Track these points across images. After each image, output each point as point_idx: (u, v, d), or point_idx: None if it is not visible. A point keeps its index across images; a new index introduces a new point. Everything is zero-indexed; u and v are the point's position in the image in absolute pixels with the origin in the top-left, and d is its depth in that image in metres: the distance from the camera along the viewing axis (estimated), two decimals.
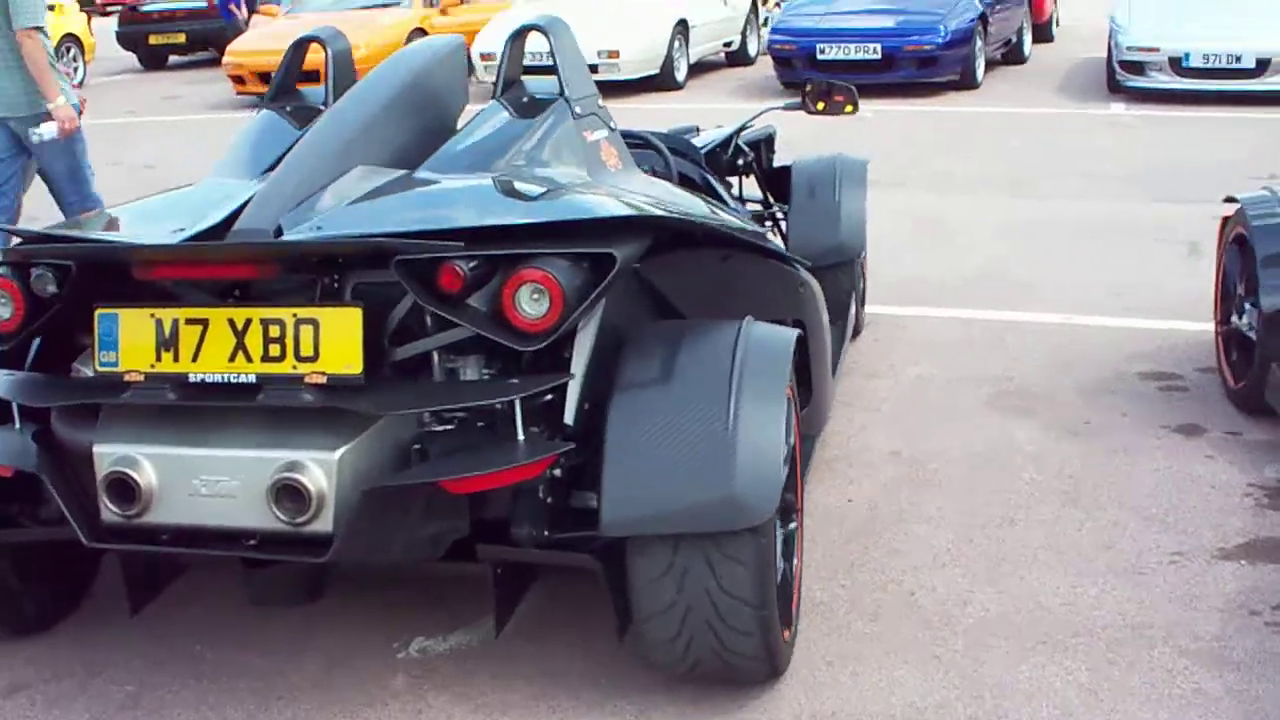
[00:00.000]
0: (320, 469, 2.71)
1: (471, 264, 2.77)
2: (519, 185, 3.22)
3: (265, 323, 2.78)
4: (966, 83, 13.42)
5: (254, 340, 2.78)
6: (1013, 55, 15.35)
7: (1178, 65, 11.99)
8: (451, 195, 3.15)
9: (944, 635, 3.28)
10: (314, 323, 2.76)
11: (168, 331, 2.82)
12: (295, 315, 2.77)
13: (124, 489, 2.78)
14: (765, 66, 15.01)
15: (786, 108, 5.29)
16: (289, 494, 2.70)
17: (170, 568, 3.38)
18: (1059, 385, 4.95)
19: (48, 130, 5.70)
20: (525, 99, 3.80)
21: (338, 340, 2.75)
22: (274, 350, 2.78)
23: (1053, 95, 13.03)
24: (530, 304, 2.77)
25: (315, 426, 2.77)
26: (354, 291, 2.92)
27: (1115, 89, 12.72)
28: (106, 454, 2.81)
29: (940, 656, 3.18)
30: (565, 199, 3.14)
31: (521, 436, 2.81)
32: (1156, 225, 7.43)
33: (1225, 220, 4.83)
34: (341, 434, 2.75)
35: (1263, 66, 11.77)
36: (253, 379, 2.79)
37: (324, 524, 2.73)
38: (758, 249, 3.57)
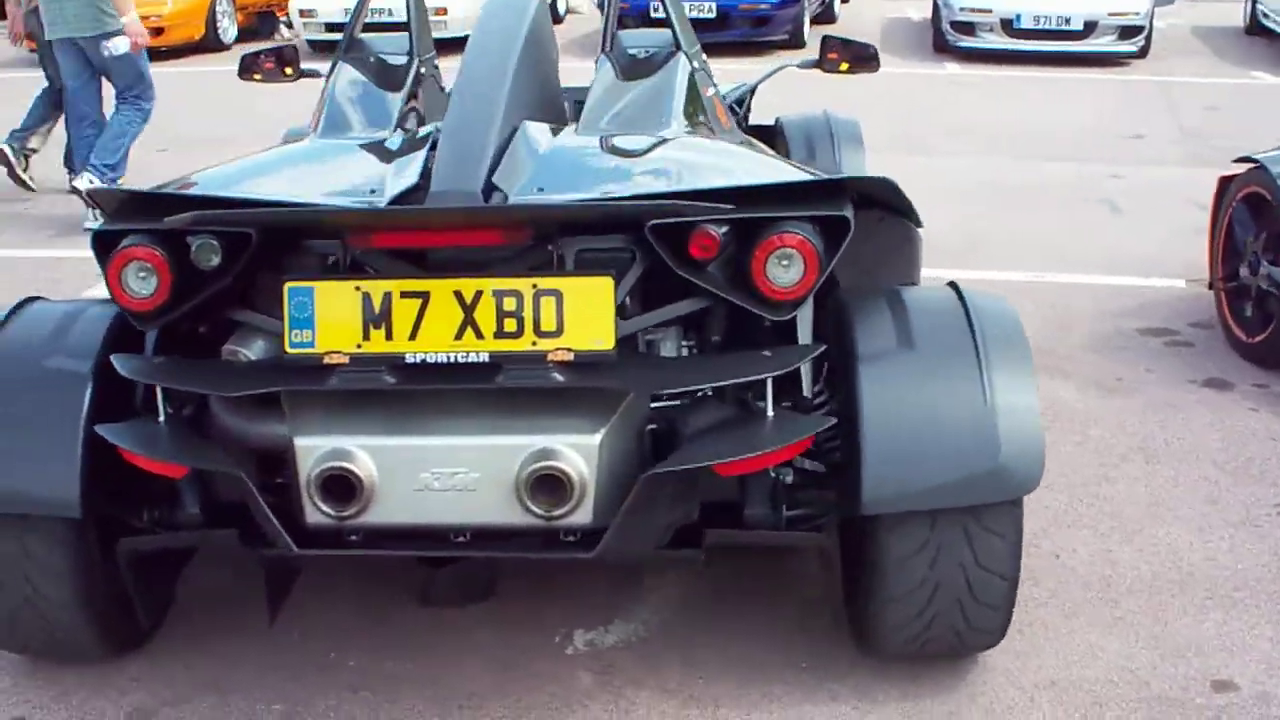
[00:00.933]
0: (579, 455, 2.45)
1: (724, 229, 2.55)
2: (714, 145, 3.01)
3: (499, 295, 2.50)
4: (795, 42, 13.54)
5: (485, 315, 2.50)
6: (825, 15, 15.64)
7: (1009, 26, 12.43)
8: (660, 156, 2.92)
9: (1113, 596, 3.26)
10: (557, 294, 2.50)
11: (378, 307, 2.51)
12: (535, 286, 2.50)
13: (341, 487, 2.46)
14: (584, 23, 14.80)
15: (802, 65, 5.15)
16: (548, 484, 2.44)
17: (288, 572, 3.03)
18: (1071, 344, 5.01)
19: (119, 45, 6.44)
20: (631, 53, 3.57)
21: (586, 313, 2.50)
22: (509, 325, 2.50)
23: (881, 55, 13.27)
24: (780, 270, 2.58)
25: (563, 408, 2.51)
26: (576, 260, 2.66)
27: (942, 49, 13.08)
28: (314, 448, 2.48)
29: (1123, 618, 3.16)
30: (775, 162, 2.95)
31: (771, 413, 2.63)
32: (1055, 184, 7.65)
33: (1226, 180, 4.97)
34: (594, 416, 2.50)
35: (1090, 28, 12.31)
36: (485, 358, 2.50)
37: (583, 516, 2.48)
38: (908, 212, 3.46)
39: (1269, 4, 13.78)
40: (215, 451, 2.57)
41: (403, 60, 3.61)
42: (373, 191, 2.63)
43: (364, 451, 2.47)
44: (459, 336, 2.50)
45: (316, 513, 2.49)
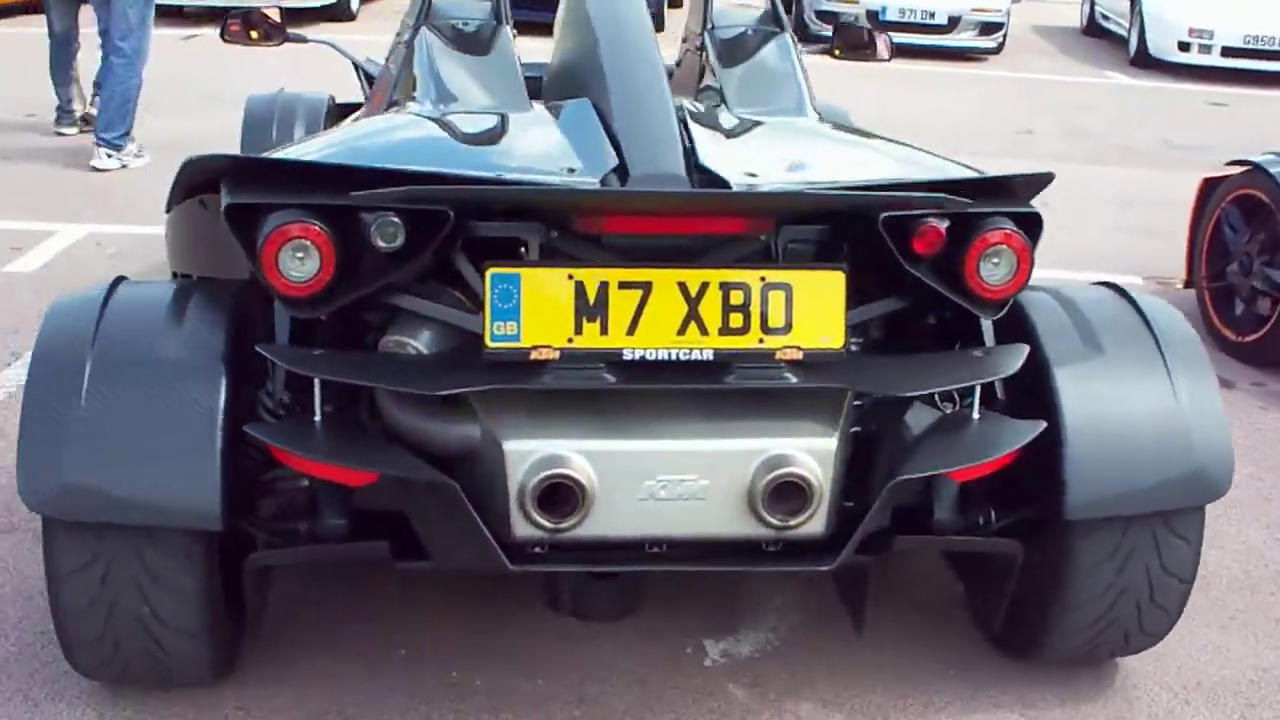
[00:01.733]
0: (816, 461, 2.29)
1: (947, 224, 2.42)
2: (869, 134, 2.87)
3: (726, 288, 2.31)
4: (656, 26, 13.43)
5: (710, 309, 2.31)
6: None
7: (874, 19, 12.57)
8: (840, 143, 2.77)
9: (1217, 596, 3.25)
10: (786, 288, 2.32)
11: (592, 297, 2.29)
12: (764, 279, 2.32)
13: (561, 496, 2.24)
14: None
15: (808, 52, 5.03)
16: (787, 492, 2.27)
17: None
18: None
19: None
20: (731, 30, 3.40)
21: (815, 308, 2.33)
22: (735, 320, 2.32)
23: None
24: (991, 268, 2.47)
25: (794, 410, 2.34)
26: (786, 253, 2.49)
27: (805, 39, 13.18)
28: (526, 453, 2.25)
29: (1235, 618, 3.16)
30: (928, 153, 2.82)
31: (976, 415, 2.52)
32: None
33: (1211, 182, 5.08)
34: (826, 418, 2.35)
35: (954, 23, 12.59)
36: (710, 356, 2.31)
37: (816, 525, 2.32)
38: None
39: (1107, 5, 14.36)
40: (407, 457, 2.30)
41: (488, 26, 3.35)
42: (571, 170, 2.40)
43: (582, 457, 2.25)
44: (682, 332, 2.30)
45: (528, 525, 2.26)
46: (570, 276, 2.29)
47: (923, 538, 2.59)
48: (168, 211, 3.09)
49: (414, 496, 2.36)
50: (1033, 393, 2.57)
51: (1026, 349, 2.55)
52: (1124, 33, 13.53)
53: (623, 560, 2.34)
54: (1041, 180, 2.64)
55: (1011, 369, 2.47)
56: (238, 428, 2.35)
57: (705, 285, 2.30)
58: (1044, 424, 2.50)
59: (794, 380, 2.31)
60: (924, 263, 2.45)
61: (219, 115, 6.84)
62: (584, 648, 2.90)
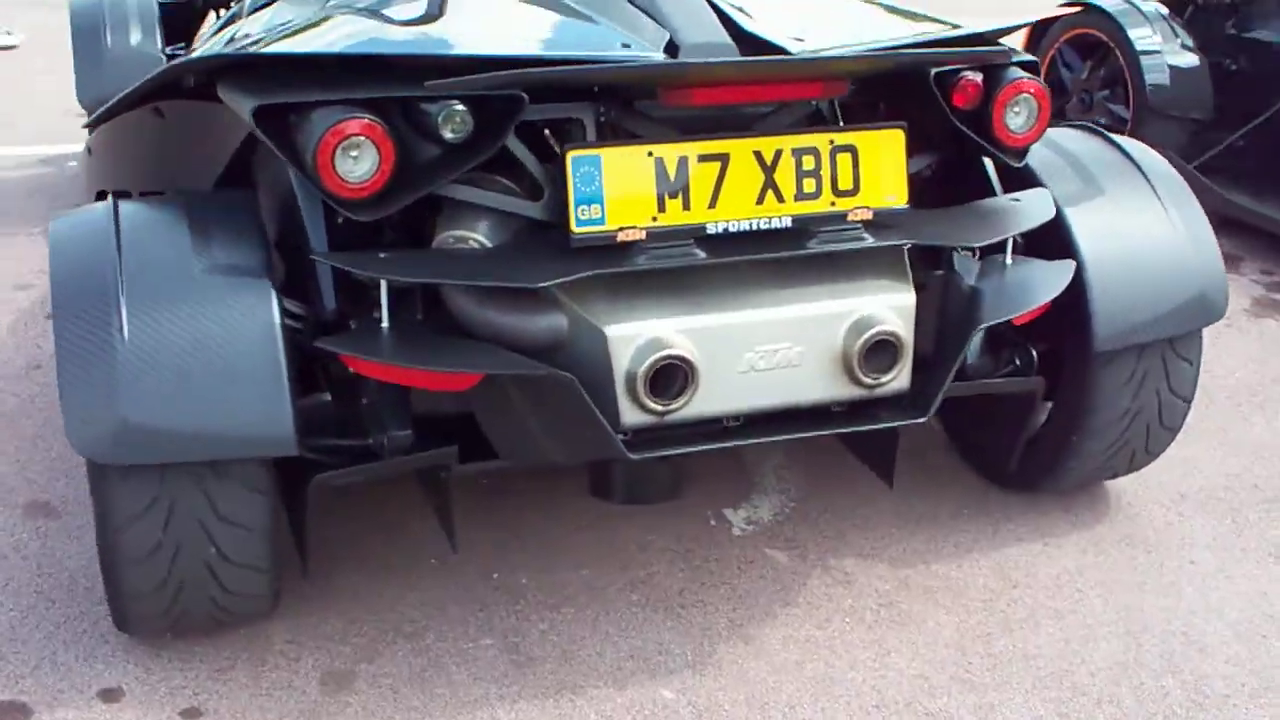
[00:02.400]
0: (899, 317, 2.32)
1: (981, 76, 2.47)
2: None
3: (798, 153, 2.29)
4: None
5: (785, 176, 2.28)
6: None
7: None
8: (854, 8, 2.74)
9: (1219, 411, 3.43)
10: (852, 150, 2.32)
11: (673, 173, 2.23)
12: (832, 142, 2.31)
13: (670, 377, 2.19)
14: None
15: None
16: (879, 350, 2.30)
17: None
18: None
19: None
20: None
21: (879, 167, 2.34)
22: (808, 185, 2.30)
23: None
24: (1013, 116, 2.54)
25: (869, 269, 2.36)
26: (836, 116, 2.48)
27: None
28: (630, 337, 2.19)
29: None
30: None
31: (1010, 261, 2.60)
32: None
33: (1042, 23, 5.29)
34: (899, 275, 2.37)
35: None
36: (788, 223, 2.29)
37: (901, 380, 2.36)
38: None
39: None
40: (514, 355, 2.19)
41: None
42: (625, 46, 2.30)
43: (684, 336, 2.21)
44: (760, 201, 2.28)
45: (638, 410, 2.21)
46: (650, 154, 2.22)
47: (961, 384, 2.66)
48: (97, 124, 2.83)
49: (502, 395, 2.27)
50: (1046, 235, 2.66)
51: (1049, 193, 2.64)
52: None
53: (728, 436, 2.32)
54: (1013, 30, 2.74)
55: (1050, 212, 2.56)
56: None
57: (779, 152, 2.28)
58: (1073, 263, 2.60)
59: (870, 240, 2.33)
60: (960, 115, 2.50)
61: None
62: (611, 534, 2.87)
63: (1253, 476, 3.19)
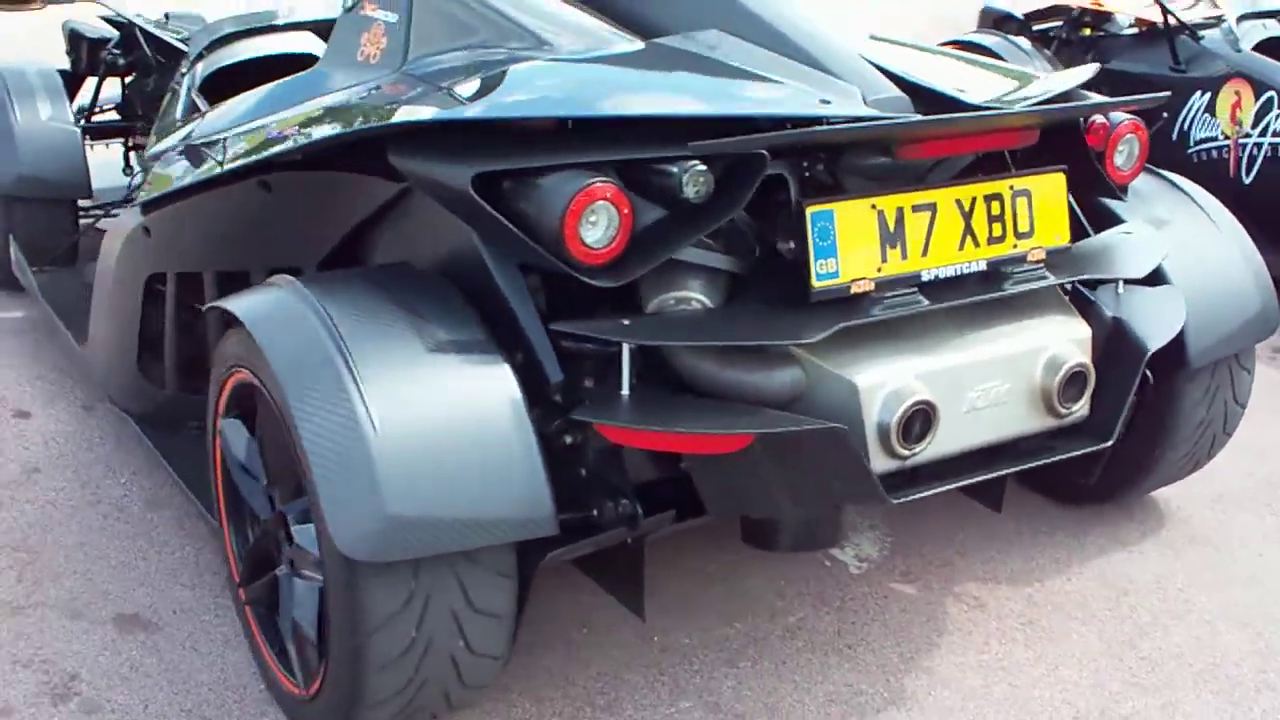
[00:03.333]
0: (1080, 349, 2.47)
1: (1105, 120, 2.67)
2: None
3: (987, 199, 2.41)
4: None
5: (979, 221, 2.40)
6: None
7: None
8: (958, 61, 2.87)
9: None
10: (1027, 193, 2.46)
11: (892, 224, 2.31)
12: (1012, 187, 2.44)
13: (919, 422, 2.25)
14: None
15: None
16: (1074, 383, 2.43)
17: None
18: None
19: None
20: None
21: (1048, 209, 2.49)
22: (995, 230, 2.43)
23: None
24: (1121, 156, 2.74)
25: (1048, 307, 2.49)
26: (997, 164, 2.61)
27: None
28: (877, 386, 2.24)
29: None
30: None
31: (1121, 290, 2.79)
32: None
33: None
34: (1068, 310, 2.53)
35: None
36: (983, 266, 2.41)
37: (1084, 408, 2.49)
38: None
39: None
40: (780, 413, 2.20)
41: None
42: (825, 102, 2.35)
43: (920, 381, 2.28)
44: (961, 247, 2.38)
45: (887, 457, 2.26)
46: (873, 206, 2.28)
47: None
48: (171, 199, 2.68)
49: (744, 451, 2.25)
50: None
51: (1148, 225, 2.85)
52: None
53: (961, 474, 2.39)
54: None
55: (1167, 245, 2.76)
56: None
57: (974, 199, 2.39)
58: (1178, 289, 2.81)
59: (1052, 278, 2.47)
60: (1091, 156, 2.68)
61: None
62: (743, 584, 2.90)
63: (1267, 473, 3.52)
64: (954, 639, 2.75)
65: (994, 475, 2.43)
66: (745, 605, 2.83)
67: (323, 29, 4.07)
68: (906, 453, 2.27)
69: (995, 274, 2.43)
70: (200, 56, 3.80)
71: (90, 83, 4.66)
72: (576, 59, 2.52)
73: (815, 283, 2.24)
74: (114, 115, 4.62)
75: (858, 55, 2.50)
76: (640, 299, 2.33)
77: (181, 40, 4.01)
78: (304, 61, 3.97)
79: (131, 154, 4.59)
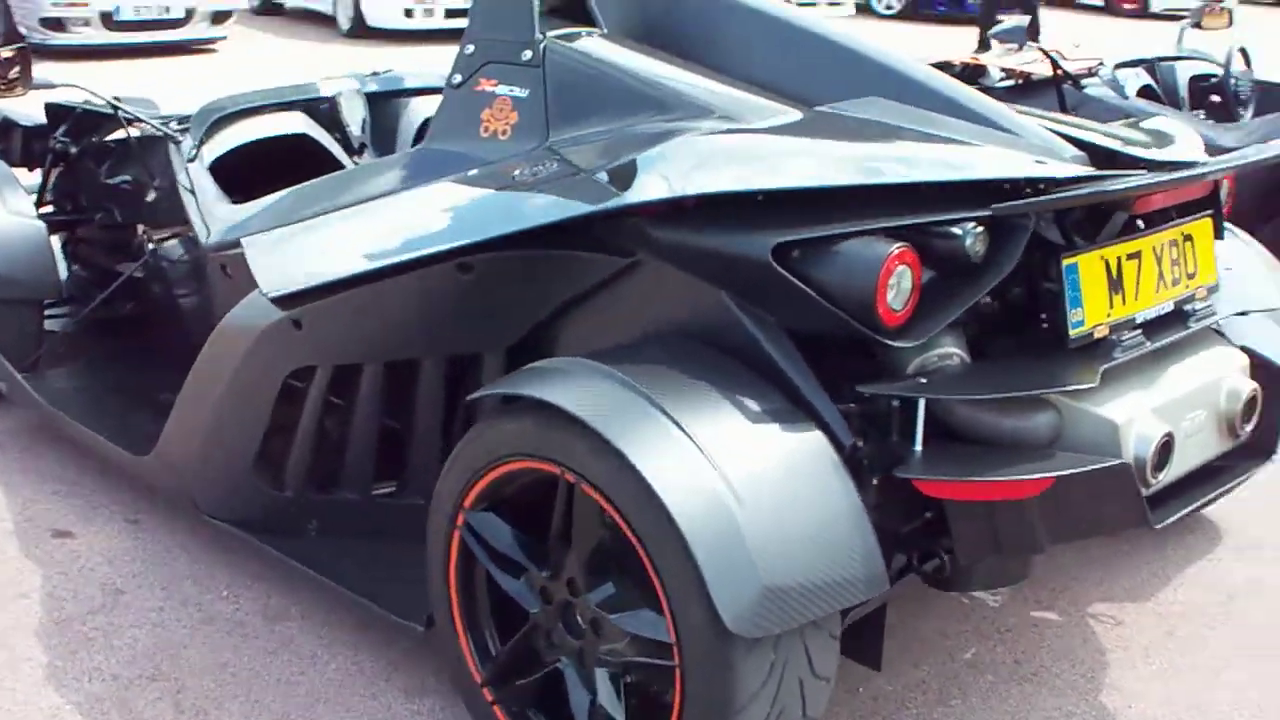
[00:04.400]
0: (1247, 376, 2.70)
1: None
2: None
3: (1170, 245, 2.62)
4: None
5: (1166, 265, 2.60)
6: None
7: (109, 19, 11.72)
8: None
9: None
10: (1191, 238, 2.68)
11: (1114, 272, 2.48)
12: (1183, 234, 2.66)
13: (1166, 452, 2.42)
14: None
15: None
16: (1250, 406, 2.66)
17: None
18: None
19: None
20: None
21: (1204, 251, 2.72)
22: (1176, 272, 2.63)
23: None
24: (1225, 200, 3.00)
25: (1207, 340, 2.71)
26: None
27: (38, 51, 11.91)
28: (1130, 422, 2.38)
29: None
30: None
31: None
32: None
33: None
34: (1224, 341, 2.76)
35: (190, 15, 12.13)
36: (1170, 306, 2.61)
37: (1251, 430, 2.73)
38: None
39: None
40: (1070, 454, 2.31)
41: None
42: (1041, 163, 2.50)
43: (1155, 416, 2.45)
44: (1157, 290, 2.58)
45: (1142, 487, 2.41)
46: (1101, 257, 2.45)
47: None
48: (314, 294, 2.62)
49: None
50: None
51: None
52: (326, 10, 14.21)
53: (1183, 498, 2.55)
54: None
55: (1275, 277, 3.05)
56: None
57: (1163, 245, 2.59)
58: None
59: (1221, 314, 2.70)
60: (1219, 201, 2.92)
61: None
62: (902, 630, 2.98)
63: None
64: (1117, 655, 2.93)
65: (1210, 497, 2.63)
66: (921, 648, 2.93)
67: (311, 107, 3.97)
68: (1154, 481, 2.44)
69: (1179, 312, 2.63)
70: (204, 139, 3.62)
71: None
72: (776, 129, 2.58)
73: (1072, 330, 2.39)
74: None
75: (1015, 113, 2.67)
76: (894, 360, 2.42)
77: (170, 122, 3.79)
78: (298, 142, 3.88)
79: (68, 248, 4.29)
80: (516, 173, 2.67)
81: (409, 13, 13.48)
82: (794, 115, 2.67)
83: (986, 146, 2.51)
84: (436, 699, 2.71)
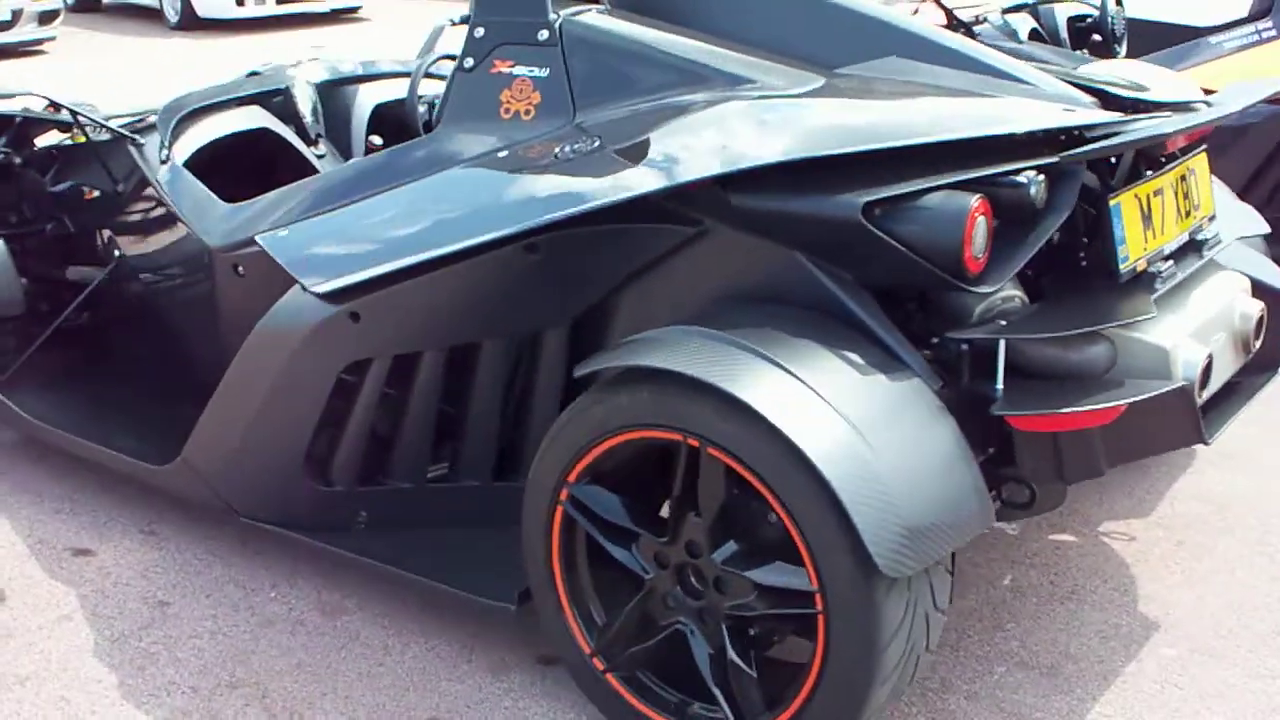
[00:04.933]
0: (1252, 297, 2.90)
1: None
2: None
3: (1182, 180, 2.80)
4: None
5: (1180, 199, 2.78)
6: None
7: None
8: None
9: None
10: (1194, 172, 2.87)
11: (1145, 209, 2.65)
12: (1189, 169, 2.84)
13: (1209, 373, 2.59)
14: None
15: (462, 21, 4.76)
16: (1259, 325, 2.86)
17: None
18: None
19: None
20: None
21: (1203, 184, 2.91)
22: (1187, 205, 2.82)
23: None
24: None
25: (1214, 267, 2.90)
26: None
27: None
28: (1177, 347, 2.54)
29: None
30: None
31: None
32: None
33: None
34: (1225, 266, 2.96)
35: (16, 16, 11.60)
36: (1185, 237, 2.80)
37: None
38: None
39: None
40: (1136, 381, 2.47)
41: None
42: (1068, 110, 2.64)
43: (1194, 339, 2.63)
44: (1176, 223, 2.76)
45: None
46: (1136, 195, 2.61)
47: None
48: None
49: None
50: None
51: None
52: (151, 3, 13.81)
53: (1224, 417, 2.74)
54: None
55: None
56: None
57: (1177, 181, 2.77)
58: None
59: (1223, 243, 2.90)
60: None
61: None
62: None
63: None
64: (1140, 568, 3.14)
65: (1238, 411, 2.81)
66: (962, 579, 3.06)
67: (264, 100, 3.91)
68: (1200, 400, 2.62)
69: (1193, 243, 2.82)
70: (172, 140, 3.54)
71: None
72: (823, 92, 2.66)
73: (1121, 266, 2.55)
74: None
75: (1029, 67, 2.81)
76: (960, 306, 2.54)
77: (130, 124, 3.69)
78: (258, 135, 3.81)
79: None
80: (558, 150, 2.70)
81: (240, 1, 13.09)
82: (820, 80, 2.77)
83: (1026, 99, 2.65)
84: (520, 674, 2.76)
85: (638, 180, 2.50)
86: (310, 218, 2.98)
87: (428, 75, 4.03)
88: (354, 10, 14.46)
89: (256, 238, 3.02)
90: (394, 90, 4.20)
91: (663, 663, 2.53)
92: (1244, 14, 5.51)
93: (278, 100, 3.96)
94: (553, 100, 2.84)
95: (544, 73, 2.86)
